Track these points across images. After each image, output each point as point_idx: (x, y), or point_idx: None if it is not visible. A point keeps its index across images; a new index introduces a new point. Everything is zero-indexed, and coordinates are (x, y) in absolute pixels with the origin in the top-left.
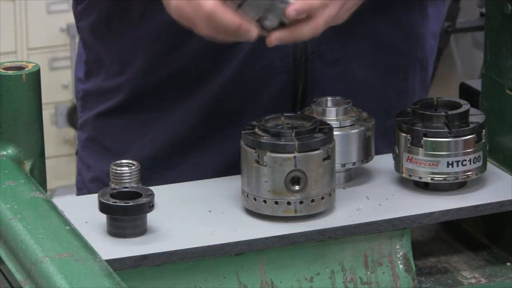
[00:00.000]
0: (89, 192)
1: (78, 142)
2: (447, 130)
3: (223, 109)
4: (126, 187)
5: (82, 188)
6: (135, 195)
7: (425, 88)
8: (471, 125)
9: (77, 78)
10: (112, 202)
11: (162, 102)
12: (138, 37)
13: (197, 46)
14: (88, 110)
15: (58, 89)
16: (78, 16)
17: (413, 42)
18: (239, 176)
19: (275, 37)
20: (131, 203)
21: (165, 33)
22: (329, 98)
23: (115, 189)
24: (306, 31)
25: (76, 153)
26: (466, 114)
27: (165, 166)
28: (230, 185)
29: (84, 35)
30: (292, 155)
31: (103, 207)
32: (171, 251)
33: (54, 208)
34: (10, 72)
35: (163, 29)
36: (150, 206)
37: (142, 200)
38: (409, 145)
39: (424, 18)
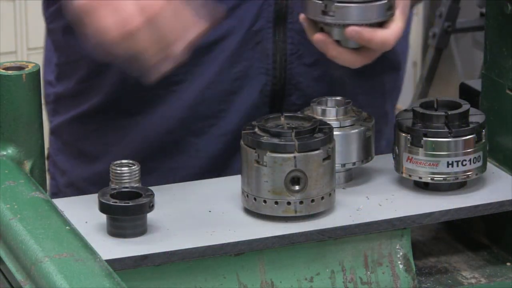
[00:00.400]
0: (65, 196)
1: (50, 147)
2: (447, 130)
3: (200, 112)
4: (126, 187)
5: (57, 193)
6: (135, 195)
7: (397, 89)
8: (471, 125)
9: (46, 81)
10: (112, 202)
11: (140, 105)
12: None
13: None
14: (61, 114)
15: None
16: (49, 18)
17: None
18: (239, 176)
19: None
20: (131, 203)
21: None
22: (329, 98)
23: (115, 189)
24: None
25: (47, 157)
26: (466, 114)
27: (141, 171)
28: (230, 185)
29: (56, 37)
30: (292, 155)
31: (103, 207)
32: (171, 251)
33: (54, 208)
34: (10, 72)
35: None
36: (150, 206)
37: (142, 200)
38: (409, 145)
39: None
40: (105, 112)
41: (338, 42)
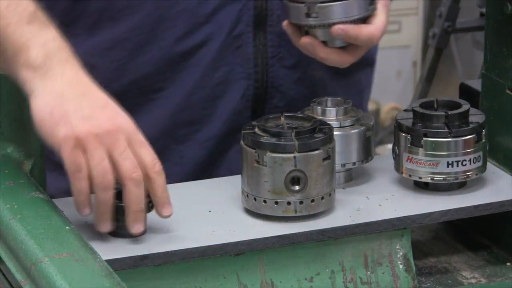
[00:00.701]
0: None
1: None
2: (447, 130)
3: (183, 119)
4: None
5: None
6: None
7: (370, 85)
8: (471, 125)
9: None
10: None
11: None
12: (89, 49)
13: (156, 56)
14: None
15: None
16: None
17: None
18: (239, 176)
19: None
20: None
21: (121, 45)
22: (329, 98)
23: (116, 189)
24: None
25: None
26: (466, 114)
27: None
28: (230, 185)
29: None
30: (292, 155)
31: None
32: (171, 251)
33: (54, 208)
34: None
35: (117, 42)
36: (150, 207)
37: None
38: (409, 145)
39: None
40: None
41: (324, 43)
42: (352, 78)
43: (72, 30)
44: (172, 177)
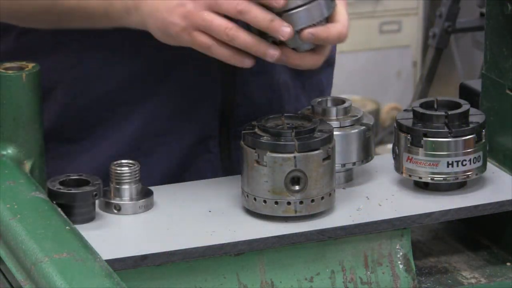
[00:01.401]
0: None
1: None
2: (447, 130)
3: (149, 133)
4: (81, 174)
5: None
6: (84, 182)
7: (330, 84)
8: (471, 125)
9: None
10: (57, 189)
11: (85, 131)
12: (51, 67)
13: (126, 72)
14: None
15: None
16: None
17: None
18: (239, 176)
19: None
20: (73, 190)
21: (86, 61)
22: (329, 98)
23: (69, 175)
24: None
25: None
26: (466, 114)
27: None
28: (230, 185)
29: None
30: (292, 155)
31: (49, 194)
32: (171, 251)
33: (54, 208)
34: (10, 72)
35: (81, 58)
36: (94, 195)
37: (86, 188)
38: (409, 145)
39: None
40: (47, 141)
41: (294, 49)
42: (313, 78)
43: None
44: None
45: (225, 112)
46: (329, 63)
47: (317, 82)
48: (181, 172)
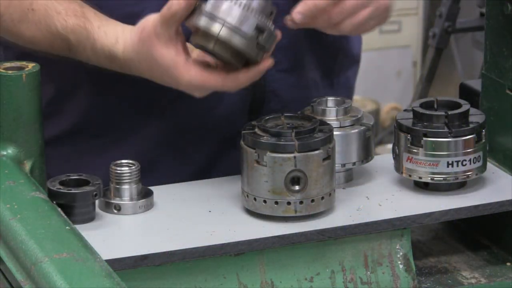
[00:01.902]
0: None
1: None
2: (447, 130)
3: (179, 129)
4: (81, 174)
5: None
6: (84, 183)
7: (355, 81)
8: (471, 125)
9: None
10: (57, 189)
11: (111, 127)
12: (80, 63)
13: None
14: None
15: None
16: (3, 43)
17: (345, 38)
18: (239, 176)
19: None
20: (73, 190)
21: None
22: (329, 98)
23: (69, 175)
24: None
25: None
26: (466, 114)
27: None
28: (230, 185)
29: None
30: (292, 155)
31: (49, 194)
32: (171, 251)
33: (54, 208)
34: (10, 72)
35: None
36: (94, 195)
37: (86, 188)
38: (409, 145)
39: None
40: (76, 135)
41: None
42: (341, 77)
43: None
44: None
45: (254, 109)
46: (356, 60)
47: (345, 80)
48: (209, 168)
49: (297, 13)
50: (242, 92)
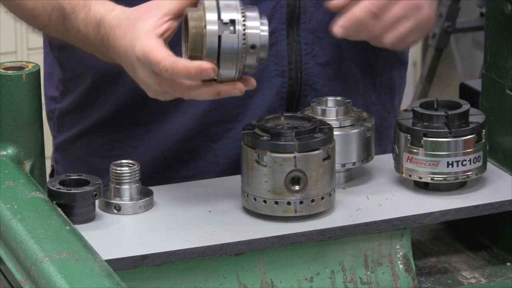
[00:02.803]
0: None
1: (56, 164)
2: (447, 130)
3: (216, 117)
4: (81, 175)
5: None
6: (84, 182)
7: (403, 84)
8: (471, 125)
9: (49, 97)
10: (56, 189)
11: (151, 115)
12: None
13: None
14: (67, 130)
15: None
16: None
17: None
18: (239, 176)
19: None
20: (73, 190)
21: None
22: (329, 98)
23: (69, 175)
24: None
25: (52, 174)
26: (466, 114)
27: (156, 180)
28: (230, 185)
29: (59, 53)
30: (292, 155)
31: (49, 194)
32: (171, 251)
33: (54, 208)
34: (10, 72)
35: None
36: (94, 195)
37: (86, 188)
38: (409, 145)
39: None
40: (113, 125)
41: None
42: (384, 76)
43: None
44: (206, 176)
45: (292, 101)
46: (402, 62)
47: (388, 81)
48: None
49: (339, 27)
50: (279, 85)
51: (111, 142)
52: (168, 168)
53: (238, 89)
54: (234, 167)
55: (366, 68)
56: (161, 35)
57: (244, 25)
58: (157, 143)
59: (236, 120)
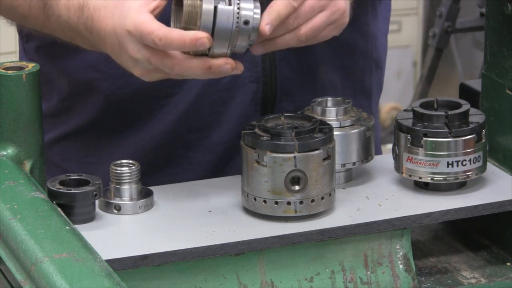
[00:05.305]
0: None
1: None
2: (447, 130)
3: (192, 124)
4: (81, 175)
5: None
6: (84, 182)
7: (380, 88)
8: (471, 125)
9: None
10: (56, 189)
11: (127, 122)
12: (93, 60)
13: None
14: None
15: None
16: (24, 37)
17: (368, 42)
18: (239, 176)
19: (257, 49)
20: (73, 190)
21: None
22: (329, 98)
23: (69, 175)
24: (289, 39)
25: None
26: (466, 114)
27: None
28: (230, 185)
29: (33, 57)
30: (292, 155)
31: (49, 194)
32: (171, 251)
33: (54, 208)
34: (10, 72)
35: None
36: (94, 195)
37: (86, 188)
38: (409, 145)
39: (374, 17)
40: (89, 131)
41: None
42: (362, 81)
43: (64, 48)
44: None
45: (267, 108)
46: (378, 66)
47: (366, 85)
48: (221, 166)
49: (265, 24)
50: (253, 91)
51: (88, 149)
52: (144, 175)
53: (230, 64)
54: (210, 174)
55: (343, 73)
56: (152, 11)
57: (238, 3)
58: (132, 150)
59: (211, 127)
